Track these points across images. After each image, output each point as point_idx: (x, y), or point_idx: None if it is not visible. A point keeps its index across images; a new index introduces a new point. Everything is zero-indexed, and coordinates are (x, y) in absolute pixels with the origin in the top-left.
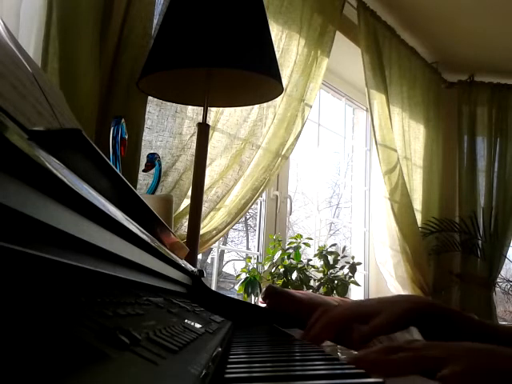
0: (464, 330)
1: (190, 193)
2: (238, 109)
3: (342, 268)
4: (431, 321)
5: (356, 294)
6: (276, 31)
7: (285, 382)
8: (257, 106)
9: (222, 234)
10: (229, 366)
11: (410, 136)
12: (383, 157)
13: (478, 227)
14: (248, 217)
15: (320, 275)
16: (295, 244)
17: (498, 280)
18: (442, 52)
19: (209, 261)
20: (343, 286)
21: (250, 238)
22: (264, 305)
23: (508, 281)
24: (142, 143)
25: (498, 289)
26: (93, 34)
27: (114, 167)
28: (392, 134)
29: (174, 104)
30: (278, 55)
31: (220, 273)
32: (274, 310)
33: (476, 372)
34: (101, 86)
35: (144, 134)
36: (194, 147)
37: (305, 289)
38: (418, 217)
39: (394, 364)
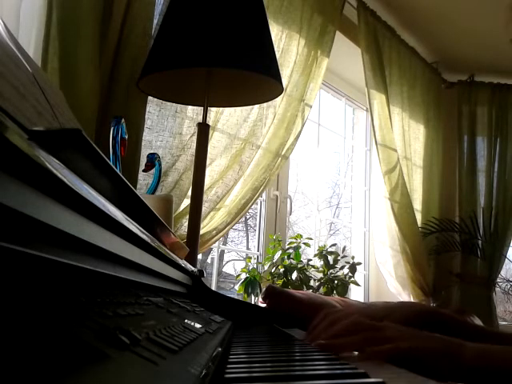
0: (461, 334)
1: (190, 193)
2: (238, 109)
3: (342, 268)
4: (432, 327)
5: (356, 294)
6: (276, 31)
7: (285, 382)
8: (257, 106)
9: (222, 234)
10: (229, 366)
11: (410, 136)
12: (383, 157)
13: (477, 227)
14: (248, 217)
15: (320, 275)
16: (295, 244)
17: (498, 280)
18: (442, 52)
19: (209, 261)
20: (343, 286)
21: (250, 237)
22: (264, 305)
23: (508, 281)
24: (142, 143)
25: (497, 289)
26: (93, 34)
27: (113, 167)
28: (392, 134)
29: (174, 104)
30: (278, 55)
31: (220, 273)
32: (274, 309)
33: (420, 354)
34: (101, 86)
35: (144, 133)
36: (194, 147)
37: (305, 289)
38: (418, 217)
39: (341, 346)
